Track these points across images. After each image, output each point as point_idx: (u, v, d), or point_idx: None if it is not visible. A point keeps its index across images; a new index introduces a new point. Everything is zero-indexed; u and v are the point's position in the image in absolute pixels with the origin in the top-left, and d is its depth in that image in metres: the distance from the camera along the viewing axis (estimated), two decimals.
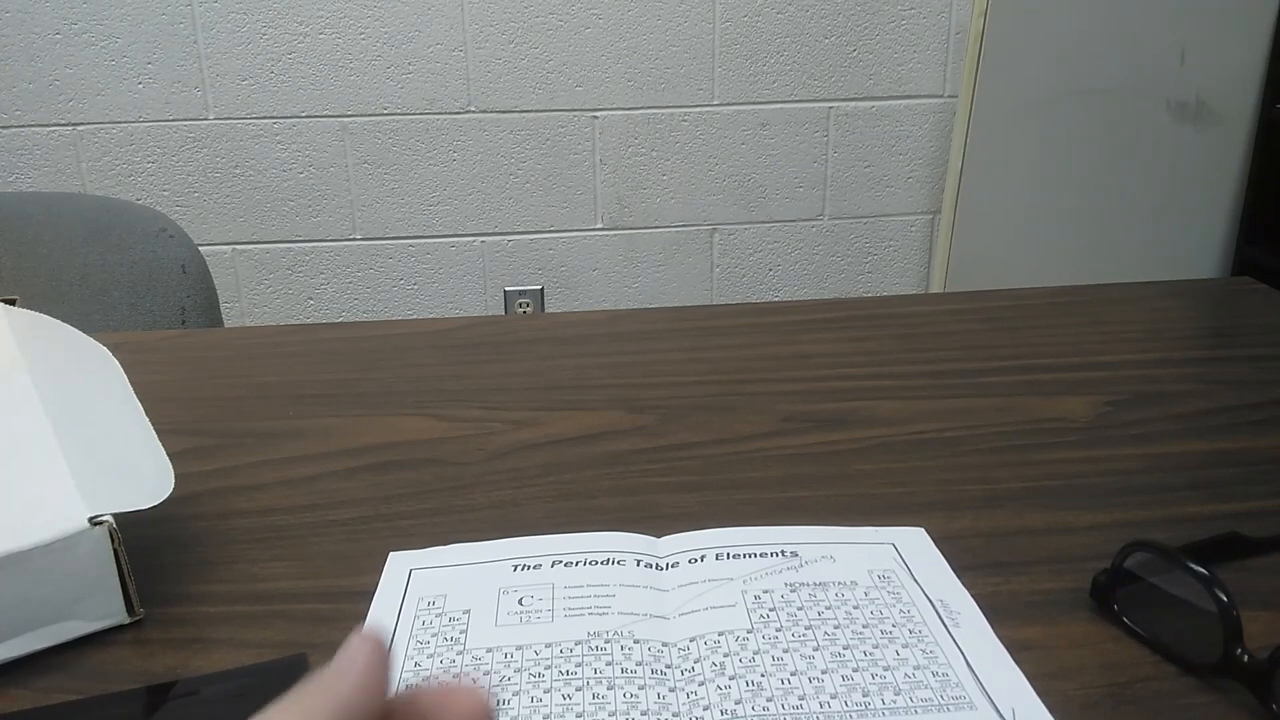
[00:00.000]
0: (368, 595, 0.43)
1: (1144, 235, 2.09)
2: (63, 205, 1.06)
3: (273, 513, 0.50)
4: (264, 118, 1.95)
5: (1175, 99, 2.01)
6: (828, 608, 0.41)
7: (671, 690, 0.37)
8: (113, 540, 0.40)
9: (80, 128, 1.91)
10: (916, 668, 0.38)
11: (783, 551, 0.45)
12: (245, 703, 0.34)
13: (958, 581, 0.43)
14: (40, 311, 0.58)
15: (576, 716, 0.35)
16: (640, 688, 0.37)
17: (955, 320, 0.74)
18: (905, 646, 0.39)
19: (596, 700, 0.36)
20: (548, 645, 0.39)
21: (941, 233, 2.05)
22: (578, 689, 0.37)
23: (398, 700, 0.23)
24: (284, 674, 0.37)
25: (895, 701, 0.36)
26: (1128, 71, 1.97)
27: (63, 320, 0.58)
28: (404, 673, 0.38)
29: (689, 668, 0.38)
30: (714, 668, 0.38)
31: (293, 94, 1.94)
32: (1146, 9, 1.94)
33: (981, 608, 0.41)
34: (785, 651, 0.38)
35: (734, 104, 2.04)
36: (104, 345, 0.55)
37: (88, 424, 0.47)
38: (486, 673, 0.38)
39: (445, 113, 1.98)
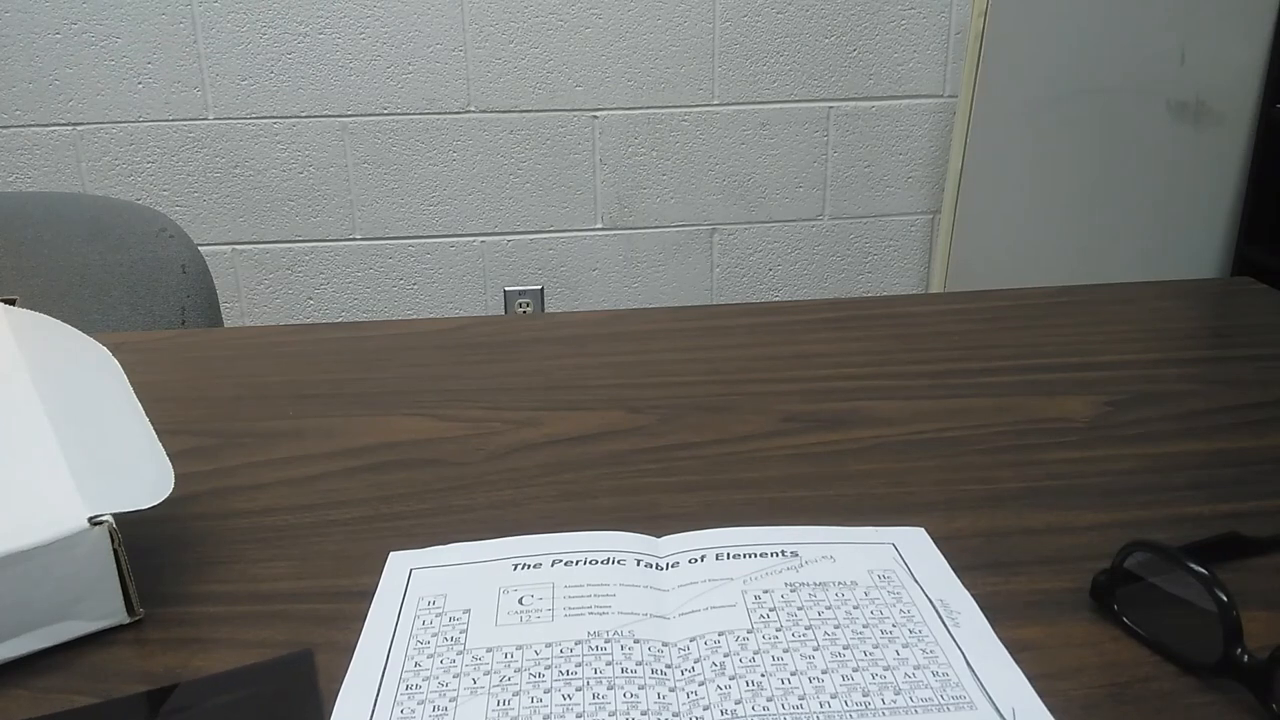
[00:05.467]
0: (368, 595, 0.43)
1: (1144, 235, 2.09)
2: (63, 205, 1.06)
3: (273, 513, 0.50)
4: (264, 118, 1.95)
5: (1175, 99, 2.01)
6: (828, 608, 0.41)
7: (671, 690, 0.37)
8: (113, 540, 0.40)
9: (80, 128, 1.91)
10: (916, 667, 0.38)
11: (783, 551, 0.45)
12: (253, 704, 0.34)
13: (958, 581, 0.43)
14: (40, 311, 0.58)
15: (577, 717, 0.35)
16: (640, 688, 0.37)
17: (955, 320, 0.74)
18: (905, 646, 0.39)
19: (597, 700, 0.36)
20: (548, 645, 0.39)
21: (941, 233, 2.06)
22: (578, 689, 0.37)
23: None
24: (290, 671, 0.37)
25: (895, 701, 0.36)
26: (1128, 71, 1.97)
27: (63, 320, 0.58)
28: (404, 673, 0.38)
29: (689, 668, 0.38)
30: (714, 668, 0.38)
31: (293, 94, 1.94)
32: (1146, 9, 1.94)
33: (981, 608, 0.41)
34: (785, 651, 0.38)
35: (734, 104, 2.04)
36: (104, 345, 0.55)
37: (88, 424, 0.47)
38: (487, 673, 0.38)
39: (445, 113, 1.98)
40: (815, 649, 0.39)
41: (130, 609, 0.41)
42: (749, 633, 0.39)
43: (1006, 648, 0.39)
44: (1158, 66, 1.98)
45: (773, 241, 2.14)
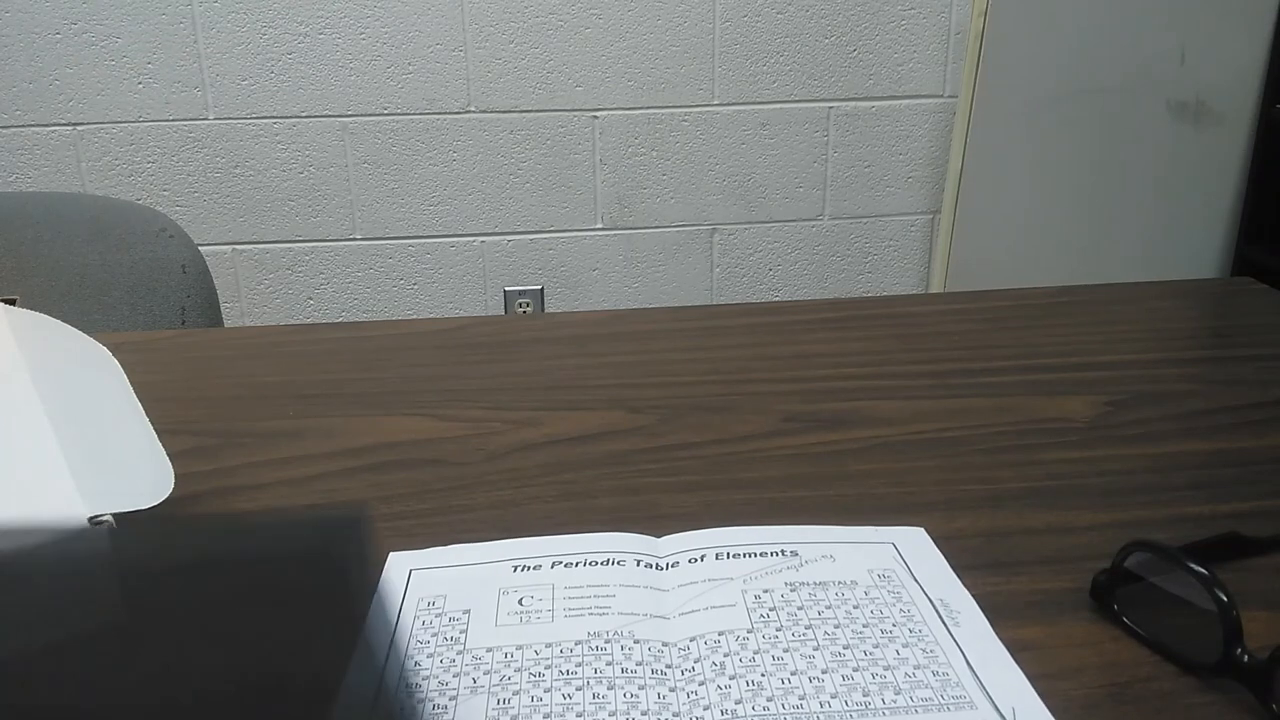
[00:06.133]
0: (368, 595, 0.43)
1: (1144, 235, 2.09)
2: (63, 205, 1.06)
3: (273, 512, 0.50)
4: (264, 118, 1.95)
5: (1175, 99, 2.01)
6: (828, 607, 0.41)
7: (672, 690, 0.37)
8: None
9: (80, 128, 1.91)
10: (917, 667, 0.38)
11: (783, 551, 0.45)
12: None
13: (958, 581, 0.43)
14: (40, 311, 0.58)
15: (577, 716, 0.36)
16: (640, 688, 0.37)
17: (955, 320, 0.74)
18: (905, 646, 0.39)
19: (597, 700, 0.36)
20: (548, 645, 0.39)
21: (941, 233, 2.06)
22: (578, 689, 0.37)
23: None
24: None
25: (895, 701, 0.36)
26: (1128, 71, 1.97)
27: (63, 320, 0.58)
28: (404, 672, 0.38)
29: (689, 667, 0.38)
30: (714, 667, 0.38)
31: (293, 94, 1.94)
32: (1146, 9, 1.94)
33: (981, 608, 0.41)
34: (785, 651, 0.38)
35: (734, 104, 2.04)
36: (104, 345, 0.55)
37: (88, 424, 0.47)
38: (487, 672, 0.38)
39: (445, 113, 1.98)
40: (815, 649, 0.39)
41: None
42: (749, 632, 0.39)
43: (1006, 648, 0.39)
44: (1158, 66, 1.98)
45: (773, 241, 2.14)
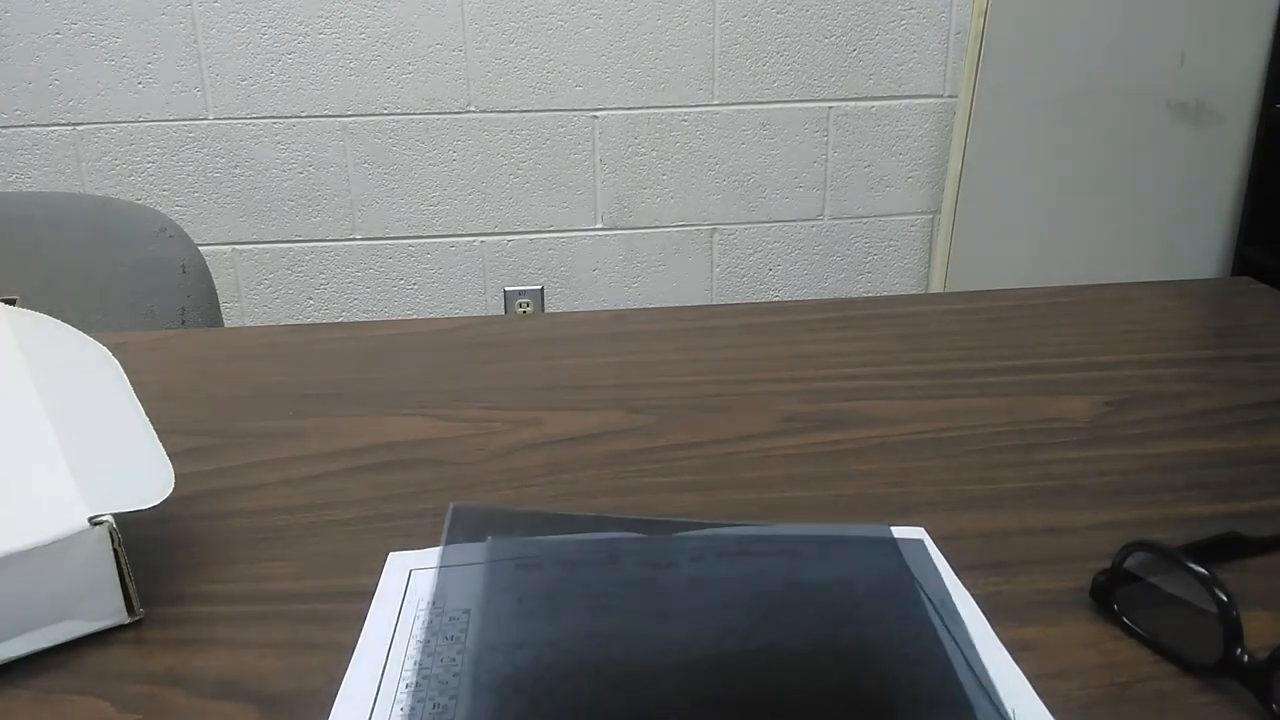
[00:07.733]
0: (368, 595, 0.43)
1: (1144, 235, 2.09)
2: (63, 205, 1.06)
3: (273, 513, 0.50)
4: (264, 118, 1.95)
5: (1175, 99, 2.01)
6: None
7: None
8: (113, 540, 0.40)
9: (80, 128, 1.91)
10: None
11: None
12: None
13: (958, 581, 0.43)
14: (40, 311, 0.58)
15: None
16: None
17: (955, 320, 0.74)
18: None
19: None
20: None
21: (941, 233, 2.06)
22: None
23: None
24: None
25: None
26: (1128, 71, 1.97)
27: (63, 320, 0.58)
28: (404, 672, 0.38)
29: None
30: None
31: (293, 94, 1.94)
32: (1146, 9, 1.94)
33: (981, 608, 0.41)
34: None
35: (734, 104, 2.04)
36: (104, 345, 0.55)
37: (88, 424, 0.47)
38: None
39: (445, 113, 1.98)
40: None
41: (130, 609, 0.41)
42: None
43: (1006, 648, 0.39)
44: (1158, 66, 1.98)
45: (773, 241, 2.14)
